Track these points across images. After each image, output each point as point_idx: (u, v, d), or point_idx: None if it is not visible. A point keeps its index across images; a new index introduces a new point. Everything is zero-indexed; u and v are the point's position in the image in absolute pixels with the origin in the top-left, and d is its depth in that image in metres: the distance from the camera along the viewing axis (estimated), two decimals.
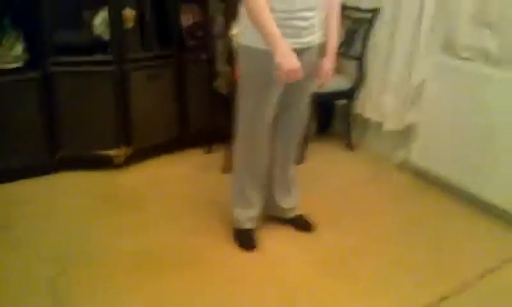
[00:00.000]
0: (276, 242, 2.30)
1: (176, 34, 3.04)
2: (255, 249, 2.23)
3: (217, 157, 3.14)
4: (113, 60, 2.77)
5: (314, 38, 2.02)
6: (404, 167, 3.14)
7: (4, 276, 2.01)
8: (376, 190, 2.89)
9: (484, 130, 2.56)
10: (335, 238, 2.36)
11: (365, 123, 3.46)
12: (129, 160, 2.97)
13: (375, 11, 3.15)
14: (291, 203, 2.39)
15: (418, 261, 2.22)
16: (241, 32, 2.01)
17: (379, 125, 3.29)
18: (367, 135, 3.50)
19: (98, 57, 2.77)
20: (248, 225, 2.28)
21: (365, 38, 3.20)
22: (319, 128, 3.64)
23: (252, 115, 2.07)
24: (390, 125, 3.14)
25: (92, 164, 2.89)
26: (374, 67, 3.22)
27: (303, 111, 2.24)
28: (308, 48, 2.01)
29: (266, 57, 1.84)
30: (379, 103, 3.19)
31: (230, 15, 2.63)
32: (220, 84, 2.99)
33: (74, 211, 2.52)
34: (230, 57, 2.81)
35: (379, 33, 3.15)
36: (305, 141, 3.08)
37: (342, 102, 3.45)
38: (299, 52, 1.91)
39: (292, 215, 2.41)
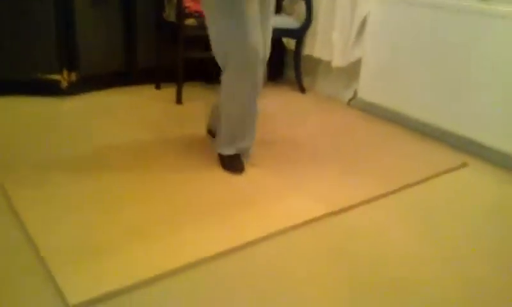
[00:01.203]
0: None
1: None
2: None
3: (168, 91, 3.11)
4: None
5: None
6: (353, 105, 3.22)
7: None
8: (320, 121, 2.94)
9: (424, 59, 2.67)
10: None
11: (316, 67, 3.54)
12: (75, 88, 2.89)
13: None
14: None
15: (358, 169, 2.28)
16: None
17: (329, 69, 3.37)
18: (317, 78, 3.57)
19: None
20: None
21: None
22: (270, 76, 3.67)
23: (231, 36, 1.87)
24: (337, 62, 3.21)
25: (37, 88, 2.78)
26: (321, 7, 3.29)
27: (269, 30, 2.11)
28: None
29: None
30: (326, 42, 3.26)
31: None
32: (168, 12, 2.96)
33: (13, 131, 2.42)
34: None
35: None
36: None
37: (291, 45, 3.50)
38: None
39: None
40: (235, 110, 2.04)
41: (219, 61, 1.97)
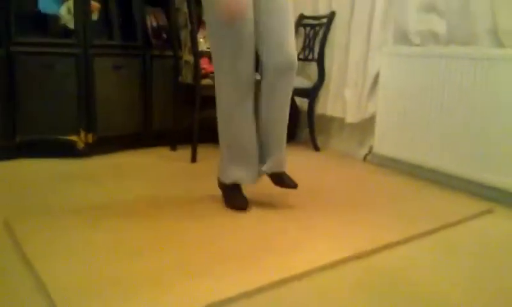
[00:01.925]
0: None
1: (141, 32, 3.13)
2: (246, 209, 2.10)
3: (184, 153, 3.12)
4: (77, 43, 2.80)
5: None
6: (369, 160, 3.20)
7: None
8: (337, 175, 2.91)
9: (439, 108, 2.68)
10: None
11: (329, 125, 3.56)
12: (92, 149, 2.91)
13: (331, 15, 3.35)
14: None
15: (379, 216, 2.21)
16: None
17: (343, 127, 3.40)
18: (331, 137, 3.58)
19: (63, 40, 2.80)
20: (238, 180, 2.14)
21: (323, 41, 3.37)
22: None
23: (229, 72, 1.94)
24: (351, 118, 3.23)
25: (53, 150, 2.81)
26: (333, 66, 3.37)
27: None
28: None
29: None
30: (339, 99, 3.30)
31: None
32: (185, 75, 3.04)
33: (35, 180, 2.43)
34: (194, 46, 2.90)
35: (336, 34, 3.34)
36: None
37: (304, 106, 3.55)
38: None
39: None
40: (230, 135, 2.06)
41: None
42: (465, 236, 2.04)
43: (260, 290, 1.47)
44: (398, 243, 1.89)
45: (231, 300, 1.41)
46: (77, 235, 1.80)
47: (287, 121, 2.12)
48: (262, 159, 2.14)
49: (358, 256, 1.74)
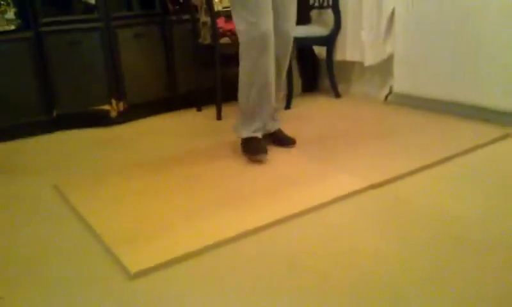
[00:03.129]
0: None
1: (159, 0, 3.24)
2: (266, 155, 2.23)
3: (209, 112, 3.27)
4: (99, 17, 2.95)
5: None
6: (390, 101, 3.25)
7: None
8: (357, 116, 2.99)
9: (450, 41, 2.69)
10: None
11: (349, 71, 3.61)
12: (124, 117, 3.10)
13: None
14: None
15: (399, 148, 2.30)
16: None
17: (363, 71, 3.44)
18: (352, 82, 3.63)
19: (86, 16, 2.96)
20: (256, 134, 2.30)
21: None
22: (305, 86, 3.78)
23: (249, 23, 2.10)
24: (370, 61, 3.27)
25: (88, 120, 3.02)
26: (348, 11, 3.39)
27: (291, 22, 2.30)
28: None
29: None
30: (357, 43, 3.34)
31: None
32: (204, 36, 3.15)
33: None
34: (210, 8, 3.00)
35: None
36: (289, 79, 3.22)
37: (323, 54, 3.60)
38: None
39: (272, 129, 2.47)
40: (257, 79, 2.18)
41: (240, 39, 2.18)
42: (484, 160, 2.11)
43: (284, 220, 1.63)
44: (417, 170, 1.99)
45: (262, 228, 1.57)
46: (119, 188, 2.00)
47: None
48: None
49: (374, 186, 1.86)
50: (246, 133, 2.30)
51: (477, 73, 2.61)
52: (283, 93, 2.91)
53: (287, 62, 2.39)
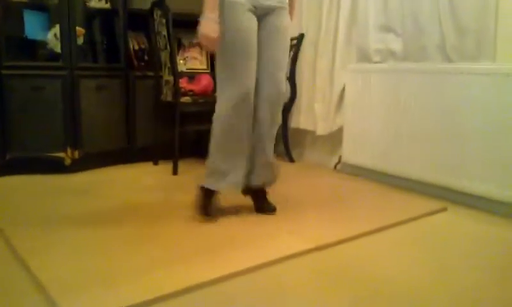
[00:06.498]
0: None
1: (124, 55, 3.35)
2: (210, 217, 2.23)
3: (166, 167, 3.33)
4: (63, 66, 3.02)
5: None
6: (339, 169, 3.45)
7: None
8: (308, 183, 3.14)
9: (396, 118, 2.95)
10: None
11: (303, 138, 3.81)
12: (79, 165, 3.11)
13: (300, 37, 3.63)
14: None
15: (345, 215, 2.44)
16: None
17: (315, 139, 3.65)
18: (305, 149, 3.82)
19: (50, 63, 3.02)
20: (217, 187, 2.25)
21: (294, 60, 3.63)
22: None
23: (229, 83, 2.08)
24: (321, 131, 3.48)
25: (42, 166, 3.01)
26: (303, 84, 3.64)
27: (276, 87, 2.22)
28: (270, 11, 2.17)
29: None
30: (310, 113, 3.56)
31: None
32: (166, 93, 3.27)
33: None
34: (174, 67, 3.14)
35: (305, 54, 3.61)
36: None
37: None
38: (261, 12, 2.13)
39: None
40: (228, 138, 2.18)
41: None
42: (421, 230, 2.27)
43: (227, 278, 1.68)
44: (359, 236, 2.12)
45: (203, 284, 1.62)
46: (67, 238, 1.99)
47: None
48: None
49: (319, 248, 1.96)
50: (209, 184, 2.25)
51: (419, 148, 2.84)
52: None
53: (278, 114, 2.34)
